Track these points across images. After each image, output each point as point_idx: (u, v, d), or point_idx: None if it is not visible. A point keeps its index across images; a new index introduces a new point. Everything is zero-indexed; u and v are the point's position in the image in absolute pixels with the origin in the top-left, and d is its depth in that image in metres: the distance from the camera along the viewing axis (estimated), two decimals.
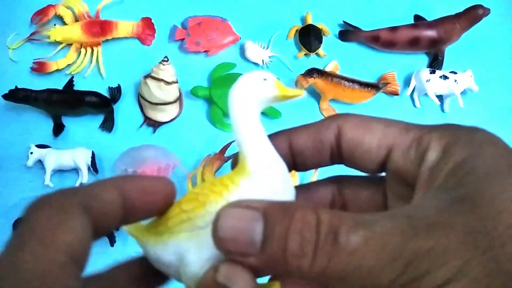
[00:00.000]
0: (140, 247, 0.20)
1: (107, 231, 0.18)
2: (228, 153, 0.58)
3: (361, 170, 0.20)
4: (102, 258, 0.54)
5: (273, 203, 0.16)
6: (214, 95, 0.61)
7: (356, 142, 0.19)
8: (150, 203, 0.19)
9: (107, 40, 0.65)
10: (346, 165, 0.20)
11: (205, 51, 0.66)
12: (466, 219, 0.14)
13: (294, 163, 0.21)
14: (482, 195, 0.14)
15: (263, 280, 0.19)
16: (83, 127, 0.61)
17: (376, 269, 0.14)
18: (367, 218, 0.15)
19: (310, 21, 0.68)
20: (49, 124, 0.61)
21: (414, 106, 0.65)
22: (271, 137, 0.20)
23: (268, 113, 0.62)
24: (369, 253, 0.14)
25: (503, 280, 0.13)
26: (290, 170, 0.20)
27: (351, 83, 0.62)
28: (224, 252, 0.16)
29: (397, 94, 0.65)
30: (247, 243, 0.16)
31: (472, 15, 0.64)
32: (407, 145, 0.18)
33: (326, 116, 0.64)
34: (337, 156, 0.20)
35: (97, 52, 0.64)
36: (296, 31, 0.68)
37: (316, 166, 0.21)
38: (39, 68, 0.62)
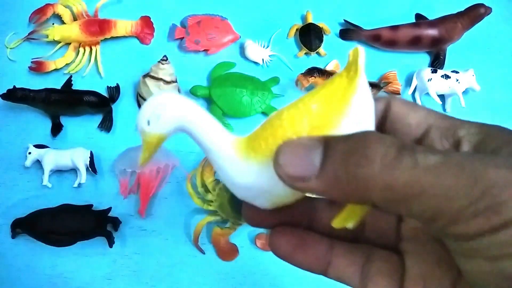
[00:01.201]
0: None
1: None
2: None
3: None
4: (101, 259, 0.54)
5: (334, 135, 0.16)
6: (214, 94, 0.61)
7: (400, 116, 0.20)
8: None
9: (105, 39, 0.65)
10: None
11: (204, 50, 0.65)
12: None
13: None
14: None
15: None
16: (81, 127, 0.61)
17: (451, 191, 0.14)
18: (442, 149, 0.15)
19: (310, 20, 0.67)
20: (47, 124, 0.60)
21: None
22: None
23: (268, 113, 0.62)
24: (447, 173, 0.14)
25: None
26: None
27: None
28: (284, 178, 0.16)
29: (398, 94, 0.65)
30: (306, 165, 0.16)
31: (474, 14, 0.64)
32: (445, 127, 0.18)
33: None
34: (381, 126, 0.21)
35: (96, 51, 0.64)
36: (297, 30, 0.68)
37: None
38: (37, 67, 0.62)
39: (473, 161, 0.14)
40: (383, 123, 0.20)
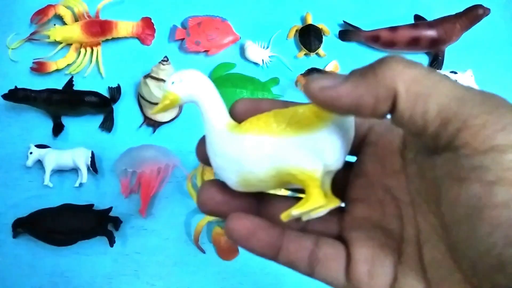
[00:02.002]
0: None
1: None
2: None
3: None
4: (102, 258, 0.55)
5: None
6: None
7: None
8: None
9: (107, 40, 0.65)
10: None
11: (205, 51, 0.66)
12: None
13: None
14: None
15: None
16: (82, 127, 0.61)
17: (466, 97, 0.15)
18: None
19: (310, 21, 0.68)
20: (48, 124, 0.60)
21: None
22: None
23: None
24: (462, 85, 0.15)
25: None
26: None
27: None
28: (316, 90, 0.18)
29: None
30: (335, 78, 0.17)
31: (472, 15, 0.64)
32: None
33: None
34: None
35: (97, 52, 0.64)
36: (296, 31, 0.68)
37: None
38: (38, 68, 0.62)
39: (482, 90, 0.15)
40: None
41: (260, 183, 0.21)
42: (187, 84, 0.22)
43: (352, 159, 0.23)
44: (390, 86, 0.16)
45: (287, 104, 0.22)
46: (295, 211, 0.20)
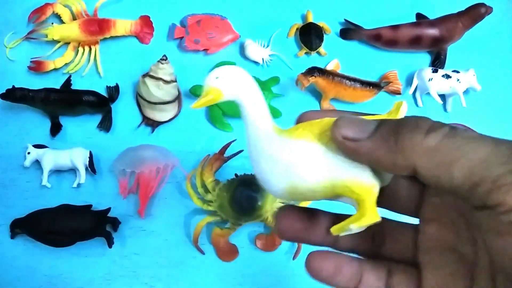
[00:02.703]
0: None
1: None
2: (228, 153, 0.57)
3: None
4: (100, 259, 0.54)
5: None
6: None
7: None
8: None
9: (105, 39, 0.64)
10: None
11: (204, 50, 0.65)
12: None
13: None
14: None
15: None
16: (80, 127, 0.60)
17: (491, 158, 0.15)
18: None
19: (311, 19, 0.67)
20: (46, 124, 0.60)
21: (417, 105, 0.65)
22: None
23: None
24: (486, 143, 0.15)
25: None
26: None
27: (352, 82, 0.61)
28: (340, 137, 0.18)
29: (399, 93, 0.65)
30: (360, 129, 0.18)
31: (475, 13, 0.63)
32: None
33: None
34: None
35: (95, 50, 0.64)
36: (297, 29, 0.67)
37: None
38: (36, 67, 0.62)
39: (509, 141, 0.15)
40: None
41: (308, 192, 0.20)
42: (232, 80, 0.21)
43: None
44: (408, 160, 0.17)
45: (350, 113, 0.22)
46: (353, 225, 0.19)
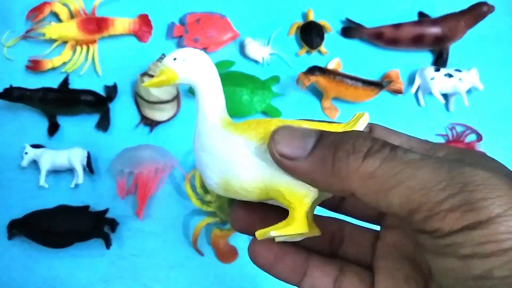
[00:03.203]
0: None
1: None
2: None
3: None
4: (98, 261, 0.54)
5: (329, 130, 0.18)
6: None
7: (383, 137, 0.20)
8: None
9: (103, 37, 0.64)
10: None
11: (203, 48, 0.64)
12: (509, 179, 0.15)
13: None
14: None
15: None
16: (78, 127, 0.60)
17: (429, 184, 0.14)
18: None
19: (311, 17, 0.67)
20: (44, 124, 0.59)
21: (419, 104, 0.64)
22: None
23: (268, 112, 0.61)
24: (426, 167, 0.15)
25: None
26: None
27: (354, 81, 0.60)
28: (275, 154, 0.18)
29: (401, 93, 0.64)
30: (298, 146, 0.17)
31: (477, 12, 0.63)
32: (427, 149, 0.19)
33: (328, 115, 0.63)
34: None
35: (93, 49, 0.63)
36: (297, 27, 0.67)
37: None
38: (34, 66, 0.61)
39: (451, 162, 0.15)
40: None
41: (241, 191, 0.19)
42: (190, 64, 0.20)
43: None
44: (345, 185, 0.16)
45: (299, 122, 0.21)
46: (274, 232, 0.18)
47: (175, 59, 0.20)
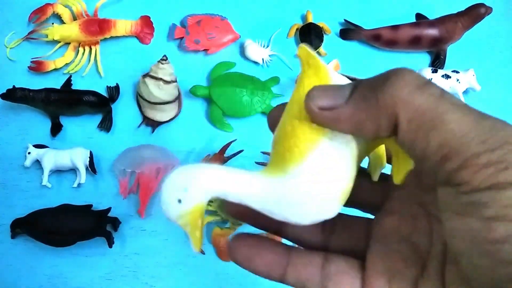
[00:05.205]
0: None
1: None
2: (228, 153, 0.57)
3: None
4: (101, 259, 0.54)
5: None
6: (214, 94, 0.60)
7: None
8: None
9: (105, 39, 0.64)
10: None
11: (204, 50, 0.65)
12: None
13: None
14: None
15: None
16: (81, 127, 0.61)
17: (471, 133, 0.14)
18: None
19: (311, 19, 0.67)
20: (47, 124, 0.60)
21: None
22: None
23: (268, 112, 0.61)
24: (470, 115, 0.14)
25: None
26: None
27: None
28: (315, 108, 0.17)
29: None
30: (336, 96, 0.16)
31: (474, 13, 0.63)
32: None
33: None
34: None
35: (95, 51, 0.64)
36: (297, 29, 0.67)
37: None
38: (37, 67, 0.62)
39: (496, 118, 0.15)
40: None
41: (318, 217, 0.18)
42: (193, 186, 0.17)
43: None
44: (391, 115, 0.15)
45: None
46: (402, 174, 0.18)
47: (180, 201, 0.17)
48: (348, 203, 0.21)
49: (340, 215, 0.22)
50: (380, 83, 0.16)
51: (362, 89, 0.16)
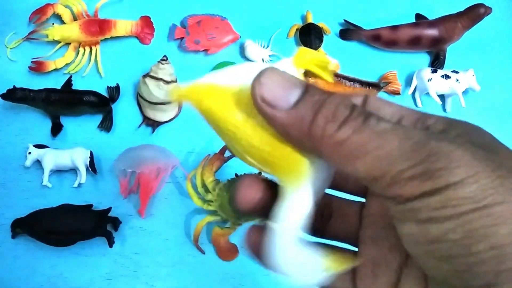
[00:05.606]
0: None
1: None
2: (227, 153, 0.57)
3: None
4: (101, 259, 0.54)
5: (316, 86, 0.17)
6: None
7: (375, 107, 0.21)
8: None
9: (105, 39, 0.65)
10: None
11: (204, 50, 0.65)
12: (482, 151, 0.15)
13: None
14: (493, 147, 0.16)
15: None
16: (81, 127, 0.61)
17: (395, 153, 0.15)
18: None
19: (310, 19, 0.67)
20: (47, 124, 0.60)
21: (416, 105, 0.65)
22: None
23: None
24: (394, 138, 0.15)
25: (506, 195, 0.14)
26: None
27: (352, 83, 0.61)
28: (258, 97, 0.17)
29: (398, 94, 0.65)
30: (282, 96, 0.17)
31: (474, 14, 0.64)
32: (416, 118, 0.20)
33: None
34: None
35: (96, 51, 0.64)
36: (297, 30, 0.67)
37: None
38: (37, 67, 0.62)
39: (420, 133, 0.15)
40: None
41: None
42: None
43: None
44: (315, 147, 0.17)
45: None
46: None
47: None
48: (340, 188, 0.22)
49: (336, 199, 0.23)
50: (319, 110, 0.17)
51: (305, 107, 0.17)
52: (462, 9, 0.65)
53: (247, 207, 0.20)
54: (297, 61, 0.20)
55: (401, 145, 0.15)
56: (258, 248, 0.20)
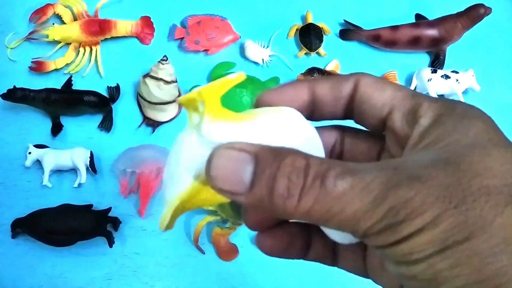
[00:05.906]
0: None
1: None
2: None
3: (364, 126, 0.21)
4: (101, 259, 0.54)
5: (265, 147, 0.17)
6: None
7: (366, 97, 0.20)
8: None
9: (106, 39, 0.65)
10: (355, 121, 0.22)
11: (204, 50, 0.65)
12: (444, 176, 0.15)
13: (312, 110, 0.22)
14: (462, 161, 0.16)
15: None
16: (81, 127, 0.61)
17: (358, 214, 0.15)
18: (355, 167, 0.16)
19: (310, 20, 0.67)
20: (47, 124, 0.60)
21: None
22: (294, 85, 0.22)
23: None
24: (354, 198, 0.15)
25: (469, 231, 0.15)
26: (307, 118, 0.21)
27: None
28: (215, 190, 0.17)
29: None
30: (237, 182, 0.17)
31: (474, 14, 0.64)
32: (407, 109, 0.19)
33: None
34: (350, 109, 0.21)
35: (96, 51, 0.64)
36: (297, 30, 0.68)
37: (330, 117, 0.22)
38: (37, 67, 0.62)
39: (379, 183, 0.15)
40: (351, 103, 0.21)
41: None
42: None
43: None
44: (283, 217, 0.18)
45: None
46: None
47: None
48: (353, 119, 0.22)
49: (349, 135, 0.23)
50: (275, 186, 0.16)
51: (260, 188, 0.17)
52: (462, 9, 0.65)
53: (257, 228, 0.22)
54: (209, 107, 0.20)
55: (362, 203, 0.15)
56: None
